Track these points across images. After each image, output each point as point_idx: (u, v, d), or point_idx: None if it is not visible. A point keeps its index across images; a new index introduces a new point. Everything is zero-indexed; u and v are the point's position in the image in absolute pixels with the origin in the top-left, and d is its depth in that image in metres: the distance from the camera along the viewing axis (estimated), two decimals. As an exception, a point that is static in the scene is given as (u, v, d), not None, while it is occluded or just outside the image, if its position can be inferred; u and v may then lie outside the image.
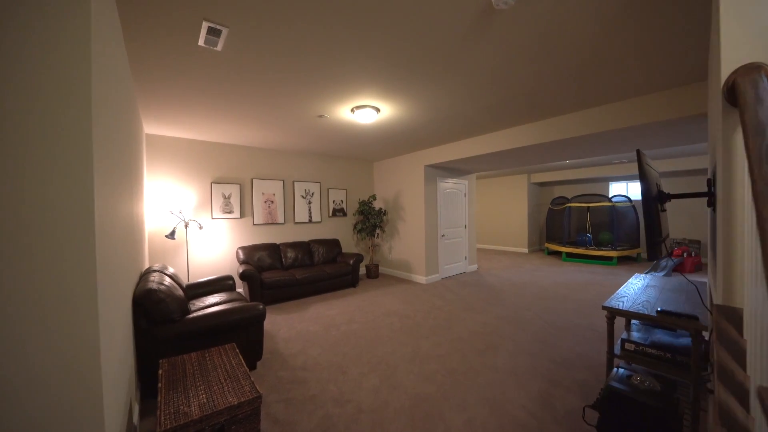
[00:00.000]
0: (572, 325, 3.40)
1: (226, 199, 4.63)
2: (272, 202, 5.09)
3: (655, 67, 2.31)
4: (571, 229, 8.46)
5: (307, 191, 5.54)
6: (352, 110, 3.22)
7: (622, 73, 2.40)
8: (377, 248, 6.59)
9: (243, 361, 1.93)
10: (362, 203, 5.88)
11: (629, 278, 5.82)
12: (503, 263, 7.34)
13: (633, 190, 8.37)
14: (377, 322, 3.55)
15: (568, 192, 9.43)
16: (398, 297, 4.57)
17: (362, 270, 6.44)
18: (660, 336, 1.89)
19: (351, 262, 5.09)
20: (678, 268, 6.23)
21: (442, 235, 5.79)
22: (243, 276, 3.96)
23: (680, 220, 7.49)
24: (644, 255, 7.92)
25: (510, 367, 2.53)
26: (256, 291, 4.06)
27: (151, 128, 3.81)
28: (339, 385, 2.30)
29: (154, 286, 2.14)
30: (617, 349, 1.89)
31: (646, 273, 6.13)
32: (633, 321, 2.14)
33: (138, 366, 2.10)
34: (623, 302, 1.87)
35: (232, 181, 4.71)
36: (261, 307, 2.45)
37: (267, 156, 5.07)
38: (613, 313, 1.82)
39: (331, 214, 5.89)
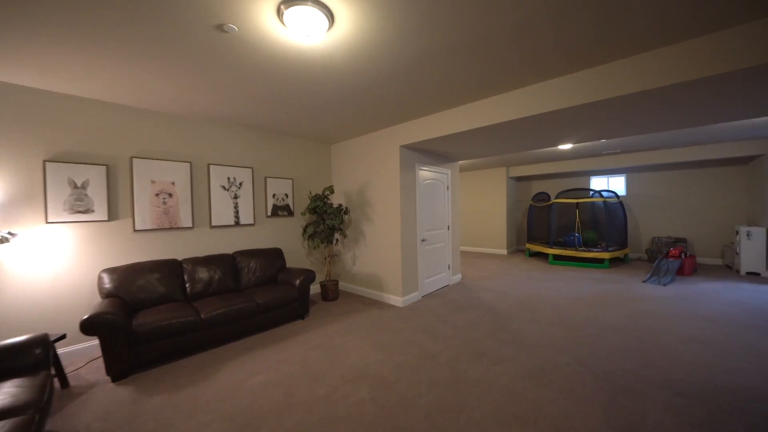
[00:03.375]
0: (640, 380, 2.18)
1: (79, 189, 2.77)
2: (170, 194, 3.30)
3: None
4: (557, 228, 7.62)
5: (232, 180, 3.80)
6: (279, 11, 1.66)
7: None
8: (336, 259, 5.02)
9: None
10: (315, 198, 4.28)
11: (638, 285, 4.79)
12: (488, 269, 6.18)
13: (613, 185, 7.74)
14: (334, 404, 2.02)
15: (547, 187, 8.64)
16: (368, 336, 3.08)
17: (316, 288, 4.83)
18: None
19: (297, 282, 3.49)
20: (678, 272, 5.53)
21: (423, 240, 4.41)
22: (87, 326, 2.18)
23: (662, 216, 6.96)
24: (632, 255, 7.32)
25: None
26: (118, 350, 2.30)
27: None
28: None
29: None
30: None
31: (649, 279, 5.35)
32: None
33: None
34: None
35: (91, 160, 2.85)
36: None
37: (161, 123, 3.25)
38: None
39: (270, 214, 4.20)
